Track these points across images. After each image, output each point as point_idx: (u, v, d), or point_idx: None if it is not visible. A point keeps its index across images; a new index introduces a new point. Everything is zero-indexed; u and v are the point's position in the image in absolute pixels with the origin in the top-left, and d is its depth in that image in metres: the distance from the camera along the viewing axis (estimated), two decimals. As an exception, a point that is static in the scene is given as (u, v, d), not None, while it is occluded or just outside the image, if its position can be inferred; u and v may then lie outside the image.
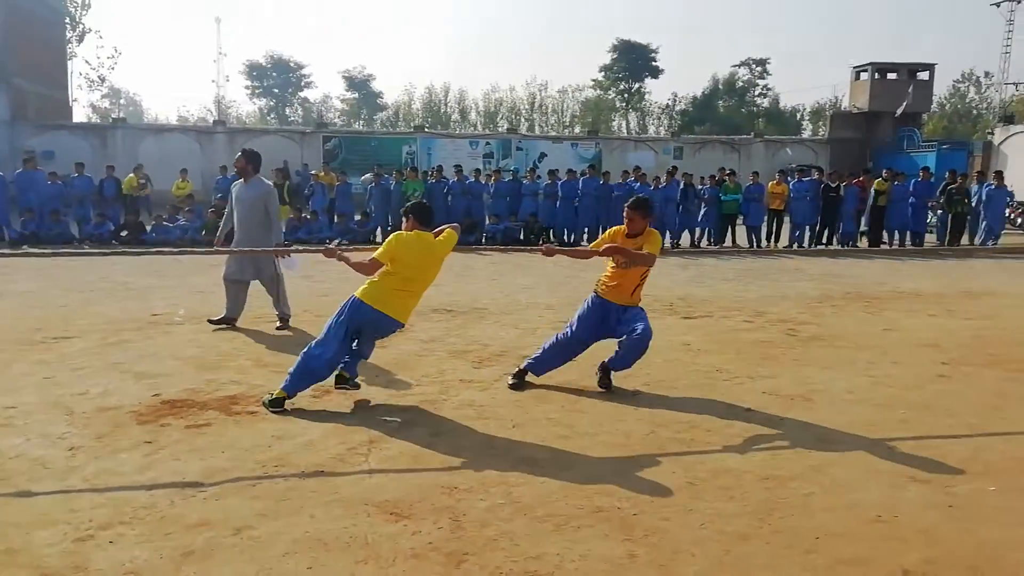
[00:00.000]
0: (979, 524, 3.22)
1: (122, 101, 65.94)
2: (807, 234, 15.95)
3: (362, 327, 4.77)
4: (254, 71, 53.95)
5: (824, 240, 15.89)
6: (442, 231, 4.95)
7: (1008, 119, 32.31)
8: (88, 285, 9.50)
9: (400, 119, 55.09)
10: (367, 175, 16.90)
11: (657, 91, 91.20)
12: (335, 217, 16.22)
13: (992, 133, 31.85)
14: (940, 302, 9.03)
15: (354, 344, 4.86)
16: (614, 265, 5.12)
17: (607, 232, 5.36)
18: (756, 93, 53.72)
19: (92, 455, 3.88)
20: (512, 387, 5.16)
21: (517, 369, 5.32)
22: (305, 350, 4.71)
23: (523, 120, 54.25)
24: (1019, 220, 18.47)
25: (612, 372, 5.15)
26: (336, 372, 4.81)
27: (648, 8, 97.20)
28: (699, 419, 4.57)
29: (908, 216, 15.82)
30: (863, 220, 16.22)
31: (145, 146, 27.31)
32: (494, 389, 5.16)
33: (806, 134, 47.87)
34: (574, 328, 5.17)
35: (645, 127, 54.79)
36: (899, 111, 31.04)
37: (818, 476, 3.71)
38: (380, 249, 4.72)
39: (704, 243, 16.08)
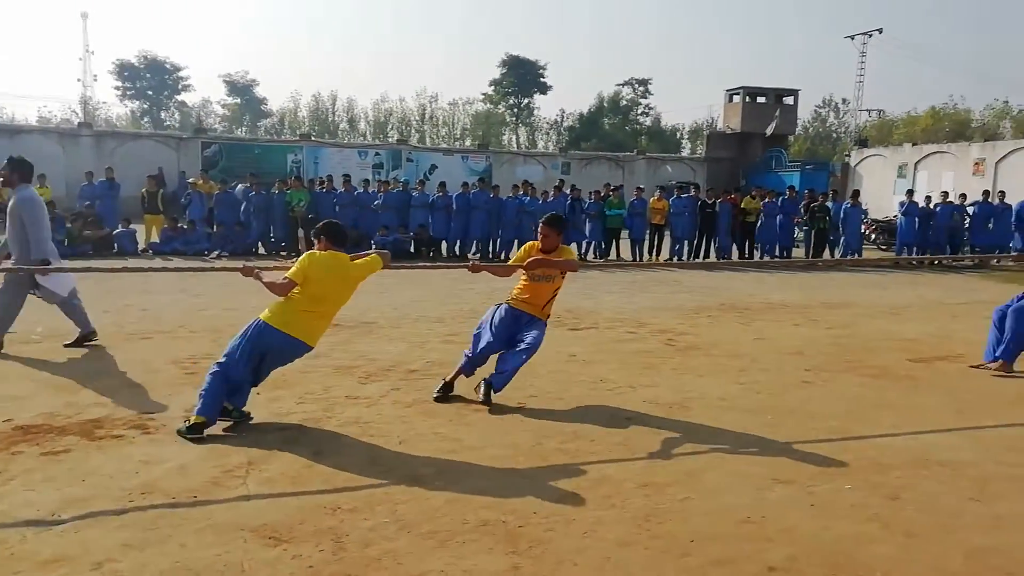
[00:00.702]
0: (836, 521, 3.46)
1: (-28, 98, 60.51)
2: (686, 248, 16.71)
3: (267, 352, 4.53)
4: (125, 71, 50.95)
5: (701, 254, 16.69)
6: (367, 255, 4.86)
7: (863, 143, 35.18)
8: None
9: (286, 127, 53.50)
10: (240, 184, 16.20)
11: (546, 107, 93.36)
12: (215, 226, 15.51)
13: (849, 155, 34.58)
14: (804, 312, 9.67)
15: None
16: (526, 280, 5.33)
17: (523, 248, 5.57)
18: (639, 112, 55.87)
19: (-71, 489, 3.52)
20: (437, 399, 5.18)
21: (443, 382, 5.32)
22: (213, 369, 4.46)
23: (414, 131, 54.00)
24: (872, 236, 20.08)
25: (493, 391, 5.15)
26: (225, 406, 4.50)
27: (536, 25, 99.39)
28: (583, 429, 4.68)
29: (776, 232, 16.87)
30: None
31: None
32: (381, 405, 5.08)
33: (685, 152, 50.20)
34: (494, 336, 5.22)
35: (534, 142, 55.81)
36: (768, 131, 33.20)
37: (693, 481, 3.88)
38: (293, 268, 4.55)
39: (590, 256, 16.52)
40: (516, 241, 15.87)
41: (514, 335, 5.26)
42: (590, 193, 17.29)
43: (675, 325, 8.43)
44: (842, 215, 16.89)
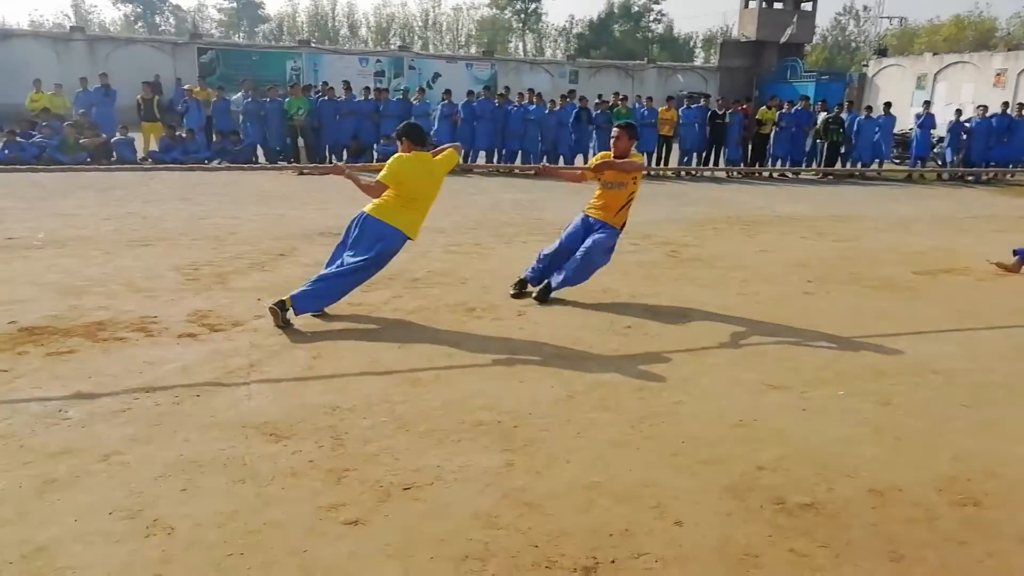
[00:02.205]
0: (828, 425, 3.52)
1: (-37, 1, 58.63)
2: (695, 160, 16.43)
3: (368, 240, 4.79)
4: (118, -28, 49.16)
5: (711, 164, 16.42)
6: (442, 151, 5.13)
7: (882, 52, 34.00)
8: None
9: (284, 32, 51.93)
10: (238, 93, 15.84)
11: (554, 12, 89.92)
12: (213, 136, 15.27)
13: (867, 65, 33.50)
14: (811, 225, 9.59)
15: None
16: (600, 188, 5.56)
17: (596, 156, 5.82)
18: (651, 18, 53.92)
19: (-62, 386, 3.60)
20: (514, 296, 5.51)
21: (517, 279, 5.65)
22: (322, 274, 4.82)
23: (416, 38, 52.40)
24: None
25: (552, 289, 5.46)
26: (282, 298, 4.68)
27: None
28: (582, 336, 4.72)
29: (790, 144, 16.52)
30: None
31: (-9, 54, 24.52)
32: (382, 312, 5.12)
33: (698, 61, 48.72)
34: (562, 241, 5.56)
35: (542, 49, 54.16)
36: (783, 38, 32.05)
37: (688, 386, 3.93)
38: (383, 171, 4.80)
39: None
40: (519, 152, 15.63)
41: (583, 241, 5.47)
42: (596, 103, 16.88)
43: (679, 237, 8.38)
44: (855, 127, 16.49)
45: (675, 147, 16.55)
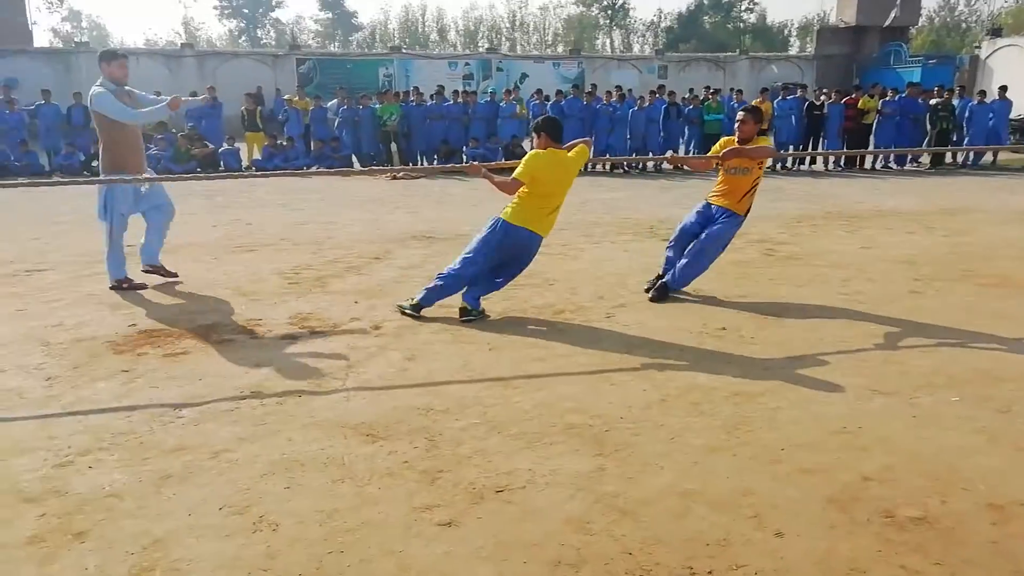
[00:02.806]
0: (939, 432, 3.32)
1: (84, 25, 63.26)
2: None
3: (509, 248, 4.90)
4: (222, -12, 51.85)
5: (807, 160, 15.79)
6: (574, 146, 5.12)
7: (996, 32, 31.75)
8: (60, 217, 9.33)
9: (376, 40, 53.42)
10: (333, 100, 16.41)
11: (642, 7, 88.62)
12: (311, 143, 15.89)
13: (979, 47, 31.38)
14: (919, 219, 9.08)
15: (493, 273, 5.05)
16: (724, 173, 5.46)
17: (719, 142, 5.67)
18: (743, 8, 52.38)
19: (69, 384, 3.89)
20: (653, 300, 5.43)
21: (657, 280, 5.59)
22: (447, 272, 4.95)
23: (504, 39, 52.81)
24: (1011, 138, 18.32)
25: (669, 290, 5.46)
26: (460, 305, 4.97)
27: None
28: (674, 338, 4.63)
29: (894, 133, 15.66)
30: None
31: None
32: (472, 314, 5.17)
33: (793, 51, 46.95)
34: (686, 226, 5.54)
35: (629, 45, 53.58)
36: (888, 22, 30.43)
37: (786, 391, 3.79)
38: (519, 168, 4.82)
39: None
40: (607, 150, 15.48)
41: (706, 228, 5.43)
42: (683, 97, 16.54)
43: (775, 234, 8.10)
44: (967, 113, 15.49)
45: (771, 140, 15.99)
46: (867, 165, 15.72)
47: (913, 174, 14.76)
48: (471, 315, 4.95)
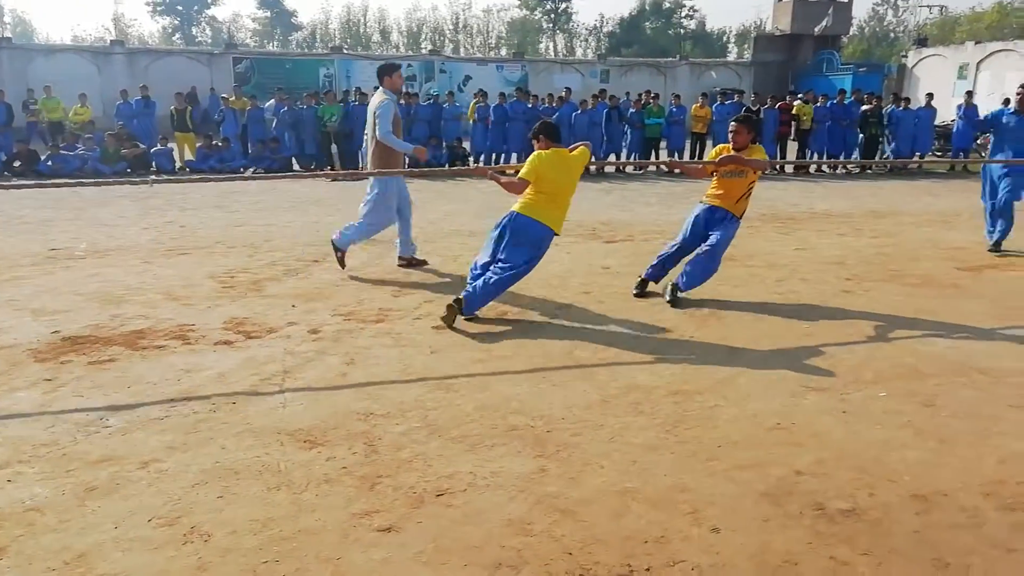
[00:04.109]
0: (868, 427, 3.44)
1: (7, 19, 60.48)
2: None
3: (518, 232, 4.96)
4: (155, -15, 50.25)
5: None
6: (576, 148, 5.28)
7: (922, 42, 33.17)
8: (-21, 219, 8.89)
9: (317, 40, 52.61)
10: (271, 101, 16.10)
11: (584, 12, 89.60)
12: (248, 144, 15.52)
13: (906, 56, 32.73)
14: (849, 222, 9.40)
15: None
16: (719, 178, 5.59)
17: (714, 150, 5.87)
18: (683, 15, 53.44)
19: (-15, 395, 3.70)
20: (636, 296, 5.66)
21: (639, 279, 5.79)
22: (476, 272, 5.05)
23: (447, 41, 52.67)
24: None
25: (679, 291, 5.51)
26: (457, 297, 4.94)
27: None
28: (615, 339, 4.68)
29: (827, 139, 16.23)
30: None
31: (35, 68, 25.12)
32: (413, 317, 5.13)
33: (731, 57, 48.15)
34: (685, 235, 5.63)
35: (572, 49, 54.09)
36: (818, 30, 31.48)
37: (724, 389, 3.87)
38: (524, 169, 5.01)
39: (629, 170, 16.17)
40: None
41: (706, 232, 5.53)
42: (624, 100, 16.78)
43: (712, 235, 8.25)
44: (887, 119, 16.14)
45: (708, 144, 16.34)
46: (811, 170, 16.25)
47: (844, 178, 15.30)
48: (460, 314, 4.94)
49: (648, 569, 2.40)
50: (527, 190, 4.98)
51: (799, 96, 16.92)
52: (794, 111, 16.13)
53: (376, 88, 6.53)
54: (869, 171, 16.08)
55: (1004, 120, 7.41)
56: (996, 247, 7.39)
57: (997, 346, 4.59)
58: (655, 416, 3.54)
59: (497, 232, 5.05)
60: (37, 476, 2.94)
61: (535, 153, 5.05)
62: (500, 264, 4.97)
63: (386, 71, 6.26)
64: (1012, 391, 3.87)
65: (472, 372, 4.11)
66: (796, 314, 5.25)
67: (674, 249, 5.66)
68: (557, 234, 5.08)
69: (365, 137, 6.42)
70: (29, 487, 2.86)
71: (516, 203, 5.05)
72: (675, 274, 5.60)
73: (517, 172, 5.08)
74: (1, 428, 3.35)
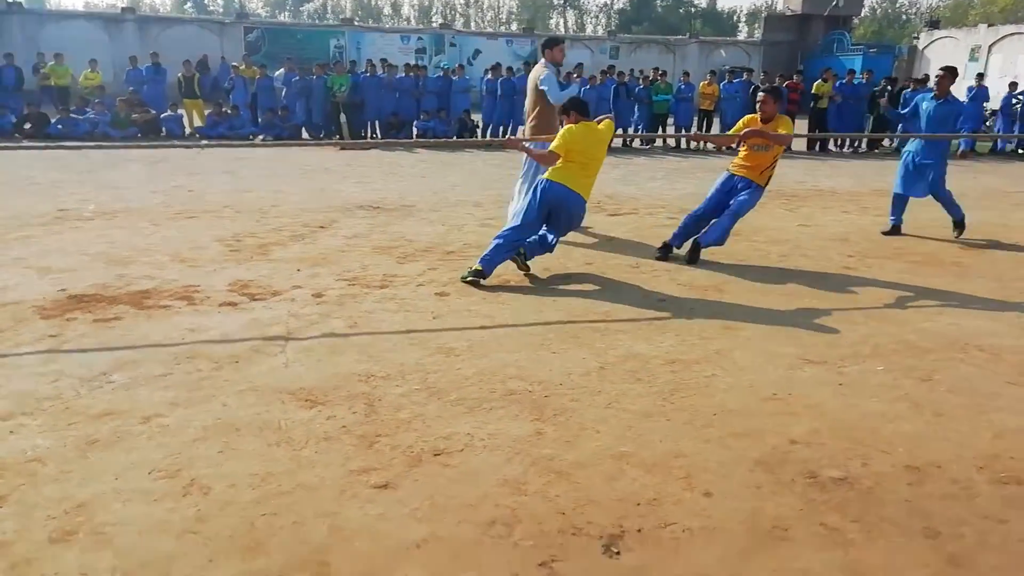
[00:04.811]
0: (864, 399, 3.45)
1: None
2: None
3: (552, 205, 5.20)
4: (167, -47, 49.73)
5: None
6: (602, 120, 5.57)
7: (934, 24, 32.74)
8: (-13, 180, 8.91)
9: (328, 11, 52.15)
10: (280, 70, 16.03)
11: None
12: (257, 112, 15.48)
13: (918, 38, 32.29)
14: (854, 199, 9.34)
15: (543, 230, 5.34)
16: (746, 149, 5.80)
17: (742, 120, 6.02)
18: (695, -8, 52.74)
19: (-9, 350, 3.74)
20: (658, 259, 5.86)
21: (662, 244, 6.00)
22: (503, 234, 5.17)
23: (458, 15, 52.16)
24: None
25: (701, 247, 5.78)
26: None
27: None
28: (615, 309, 4.69)
29: (843, 117, 16.13)
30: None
31: (46, 34, 25.05)
32: (417, 283, 5.15)
33: (742, 36, 47.57)
34: (709, 203, 5.88)
35: (583, 25, 53.47)
36: (828, 10, 31.06)
37: (721, 360, 3.89)
38: (555, 142, 5.26)
39: (636, 144, 16.09)
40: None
41: (728, 199, 5.76)
42: (631, 77, 16.67)
43: (718, 212, 8.22)
44: (903, 100, 15.97)
45: (715, 121, 16.25)
46: (830, 147, 16.18)
47: (851, 156, 15.18)
48: (521, 260, 5.27)
49: (640, 530, 2.43)
50: (559, 161, 5.21)
51: (820, 75, 16.75)
52: (813, 90, 16.00)
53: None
54: (876, 150, 15.96)
55: (924, 106, 7.12)
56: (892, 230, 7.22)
57: (998, 324, 4.58)
58: (652, 384, 3.57)
59: (533, 200, 5.21)
60: (39, 428, 2.99)
61: (566, 127, 5.28)
62: (537, 231, 5.29)
63: (548, 44, 6.69)
64: (1011, 368, 3.87)
65: (473, 338, 4.13)
66: (797, 290, 5.25)
67: (697, 215, 5.89)
68: (586, 202, 5.33)
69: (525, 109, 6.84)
70: (31, 438, 2.90)
71: (548, 172, 5.27)
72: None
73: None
74: (5, 381, 3.39)
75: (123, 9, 27.79)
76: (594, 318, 4.52)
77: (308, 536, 2.38)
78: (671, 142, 16.23)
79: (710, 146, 15.71)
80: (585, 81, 15.78)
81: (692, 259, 5.75)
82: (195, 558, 2.26)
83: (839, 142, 16.23)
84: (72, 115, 14.07)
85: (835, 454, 2.93)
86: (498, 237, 5.18)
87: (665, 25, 44.87)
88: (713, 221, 5.82)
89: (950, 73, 7.02)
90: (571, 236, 6.20)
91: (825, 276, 5.63)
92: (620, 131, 15.89)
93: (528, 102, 6.71)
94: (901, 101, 15.98)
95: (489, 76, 16.03)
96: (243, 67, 16.92)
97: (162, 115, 14.90)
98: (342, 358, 3.81)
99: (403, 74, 16.05)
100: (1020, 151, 15.85)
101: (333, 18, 45.95)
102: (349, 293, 4.87)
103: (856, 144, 16.36)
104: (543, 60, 6.65)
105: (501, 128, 15.90)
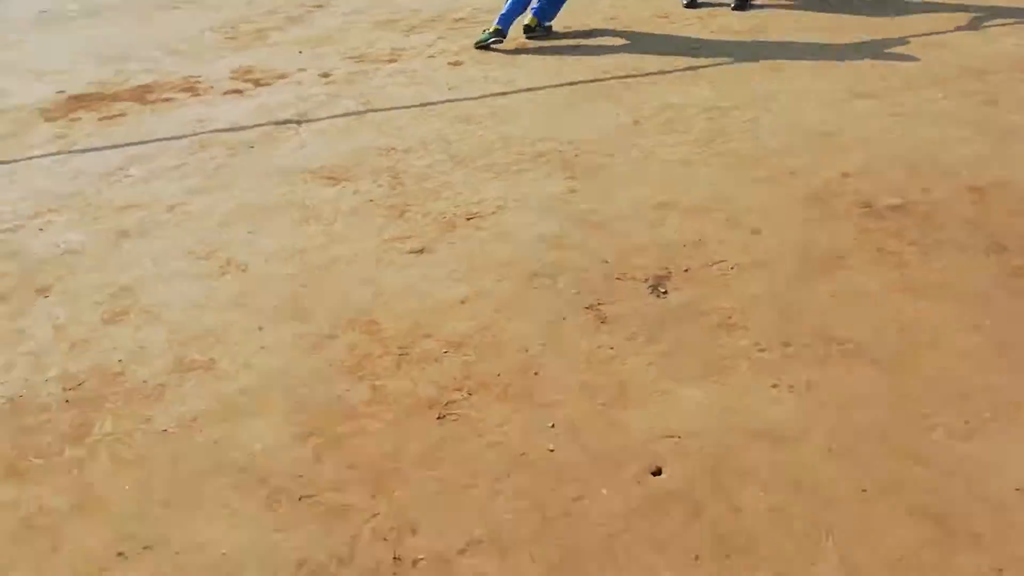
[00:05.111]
0: (922, 127, 3.22)
1: None
2: None
3: None
4: None
5: None
6: None
7: None
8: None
9: None
10: None
11: None
12: None
13: None
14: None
15: None
16: None
17: None
18: None
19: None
20: (687, 6, 5.27)
21: None
22: None
23: None
24: None
25: None
26: (525, 22, 4.77)
27: None
28: (645, 59, 4.34)
29: None
30: None
31: None
32: (428, 53, 4.79)
33: None
34: None
35: None
36: None
37: (765, 103, 3.61)
38: None
39: None
40: None
41: None
42: None
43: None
44: None
45: None
46: None
47: None
48: (536, 31, 4.80)
49: (687, 270, 2.36)
50: None
51: None
52: None
53: None
54: None
55: None
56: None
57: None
58: (689, 133, 3.35)
59: None
60: (67, 223, 2.93)
61: None
62: None
63: None
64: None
65: (494, 105, 3.88)
66: (843, 24, 4.78)
67: None
68: None
69: None
70: (62, 233, 2.86)
71: None
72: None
73: None
74: (24, 182, 3.30)
75: None
76: (622, 73, 4.19)
77: (352, 301, 2.36)
78: None
79: None
80: None
81: (741, 6, 5.16)
82: (245, 326, 2.27)
83: None
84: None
85: (892, 183, 2.77)
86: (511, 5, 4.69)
87: None
88: None
89: None
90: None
91: (877, 5, 5.10)
92: None
93: None
94: None
95: None
96: None
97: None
98: (359, 136, 3.62)
99: None
100: None
101: None
102: (357, 70, 4.56)
103: None
104: None
105: None
